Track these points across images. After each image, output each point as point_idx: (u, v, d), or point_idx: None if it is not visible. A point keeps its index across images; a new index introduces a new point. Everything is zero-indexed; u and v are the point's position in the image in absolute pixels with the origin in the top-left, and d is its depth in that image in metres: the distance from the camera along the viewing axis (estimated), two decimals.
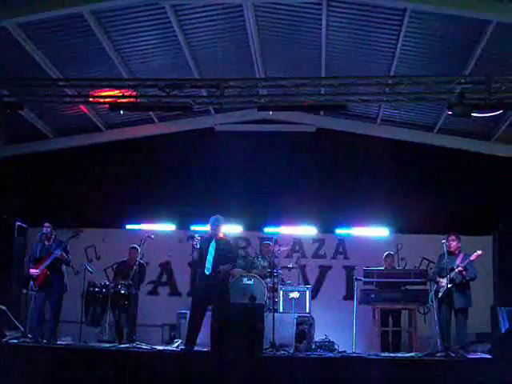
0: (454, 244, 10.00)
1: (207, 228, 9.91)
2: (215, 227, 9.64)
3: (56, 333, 10.05)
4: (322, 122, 14.03)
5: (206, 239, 9.62)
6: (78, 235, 10.40)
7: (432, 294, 10.01)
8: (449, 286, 9.73)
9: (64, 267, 10.24)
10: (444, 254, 9.82)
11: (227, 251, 9.62)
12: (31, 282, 9.94)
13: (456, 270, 9.72)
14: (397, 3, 9.70)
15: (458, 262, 9.83)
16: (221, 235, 9.75)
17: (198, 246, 9.53)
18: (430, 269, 11.48)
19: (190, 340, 9.30)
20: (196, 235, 9.74)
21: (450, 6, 9.39)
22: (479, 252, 9.86)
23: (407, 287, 10.68)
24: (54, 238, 10.25)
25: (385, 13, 10.03)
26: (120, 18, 10.43)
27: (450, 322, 9.78)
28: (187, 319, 9.96)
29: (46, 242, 10.20)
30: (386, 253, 11.36)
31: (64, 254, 10.10)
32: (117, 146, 14.12)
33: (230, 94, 10.09)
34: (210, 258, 9.42)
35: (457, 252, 10.01)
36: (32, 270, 9.96)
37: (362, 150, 13.70)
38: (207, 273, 9.40)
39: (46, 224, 10.24)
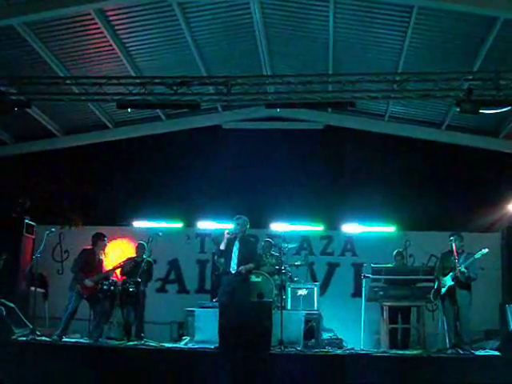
0: (457, 243, 9.95)
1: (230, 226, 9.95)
2: (240, 227, 9.72)
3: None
4: (329, 119, 14.02)
5: (231, 238, 9.71)
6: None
7: (433, 291, 9.99)
8: (451, 283, 9.70)
9: None
10: (447, 253, 9.93)
11: (249, 251, 9.74)
12: (79, 288, 9.94)
13: (460, 269, 9.63)
14: (404, 0, 9.69)
15: (461, 261, 9.75)
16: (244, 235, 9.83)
17: (227, 241, 9.65)
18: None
19: None
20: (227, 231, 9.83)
21: (458, 3, 9.38)
22: (485, 250, 9.79)
23: (416, 284, 10.64)
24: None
25: (392, 9, 10.02)
26: (127, 15, 10.46)
27: (456, 319, 9.73)
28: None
29: (102, 254, 10.39)
30: (396, 251, 11.27)
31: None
32: (124, 144, 14.17)
33: (237, 92, 10.08)
34: (234, 257, 9.58)
35: (460, 251, 9.95)
36: (88, 282, 9.95)
37: (369, 146, 13.69)
38: (232, 272, 9.54)
39: (105, 238, 10.43)
